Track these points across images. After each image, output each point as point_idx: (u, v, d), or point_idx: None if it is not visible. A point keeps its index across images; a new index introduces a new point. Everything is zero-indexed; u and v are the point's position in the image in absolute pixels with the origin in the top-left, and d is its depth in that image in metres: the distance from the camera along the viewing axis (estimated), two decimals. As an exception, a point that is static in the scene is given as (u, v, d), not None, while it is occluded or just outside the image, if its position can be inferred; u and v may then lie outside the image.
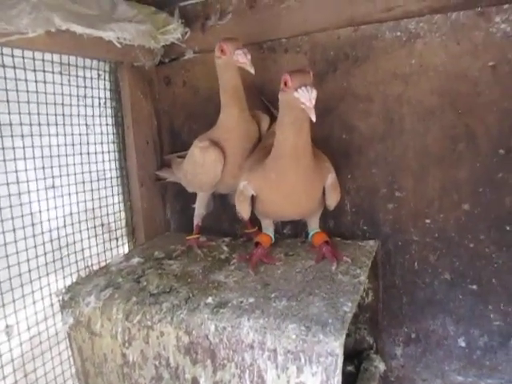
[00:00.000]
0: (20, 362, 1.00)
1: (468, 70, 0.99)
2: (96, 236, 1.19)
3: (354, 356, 1.17)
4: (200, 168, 1.06)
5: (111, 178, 1.25)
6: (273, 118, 1.11)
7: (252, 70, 0.93)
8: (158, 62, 1.28)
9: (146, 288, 0.94)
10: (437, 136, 1.04)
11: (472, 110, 1.00)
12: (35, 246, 1.02)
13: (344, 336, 0.74)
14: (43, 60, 1.02)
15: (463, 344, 1.09)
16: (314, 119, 0.74)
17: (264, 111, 1.14)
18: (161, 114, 1.34)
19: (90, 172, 1.18)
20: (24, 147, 0.99)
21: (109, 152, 1.24)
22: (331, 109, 1.13)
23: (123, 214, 1.28)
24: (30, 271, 1.01)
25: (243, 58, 0.92)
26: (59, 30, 0.90)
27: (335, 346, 0.73)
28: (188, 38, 1.23)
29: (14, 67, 0.96)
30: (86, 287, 0.98)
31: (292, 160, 0.86)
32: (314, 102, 0.74)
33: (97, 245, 1.19)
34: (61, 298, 0.98)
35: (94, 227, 1.18)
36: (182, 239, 1.18)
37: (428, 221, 1.08)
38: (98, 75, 1.19)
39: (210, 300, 0.87)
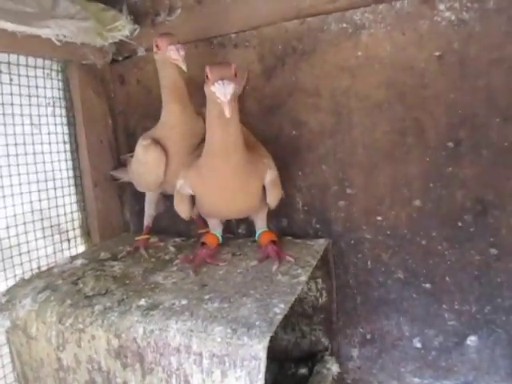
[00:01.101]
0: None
1: (414, 61, 0.96)
2: (45, 237, 1.16)
3: (309, 358, 1.14)
4: (143, 167, 1.04)
5: (63, 178, 1.23)
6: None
7: (184, 67, 0.91)
8: (110, 60, 1.25)
9: (82, 290, 0.92)
10: (385, 130, 1.01)
11: (419, 103, 0.97)
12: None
13: (268, 339, 0.71)
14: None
15: (418, 345, 1.05)
16: (227, 115, 0.71)
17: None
18: (116, 114, 1.32)
19: (38, 172, 1.15)
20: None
21: (60, 152, 1.22)
22: (280, 105, 1.10)
23: (77, 215, 1.26)
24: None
25: (175, 55, 0.90)
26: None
27: (259, 348, 0.70)
28: (138, 35, 1.21)
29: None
30: (24, 289, 0.96)
31: (221, 156, 0.83)
32: (229, 96, 0.71)
33: (45, 246, 1.16)
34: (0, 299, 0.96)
35: (43, 228, 1.15)
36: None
37: (379, 218, 1.05)
38: (47, 74, 1.17)
39: (142, 302, 0.85)
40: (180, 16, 1.16)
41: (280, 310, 0.78)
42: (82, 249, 1.26)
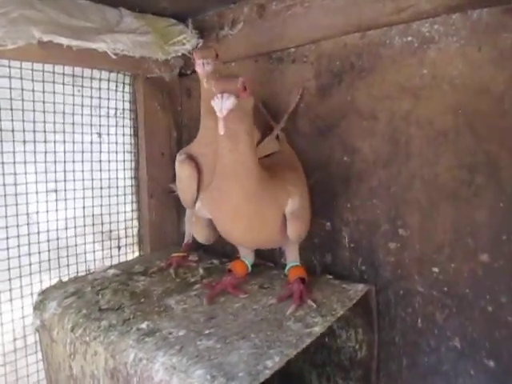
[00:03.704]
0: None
1: (491, 83, 0.77)
2: (94, 242, 1.21)
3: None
4: (179, 183, 1.01)
5: (124, 186, 1.27)
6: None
7: (204, 83, 0.86)
8: (177, 73, 1.26)
9: (99, 302, 0.92)
10: (450, 164, 0.83)
11: (495, 134, 0.77)
12: (29, 244, 1.07)
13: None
14: (53, 72, 1.08)
15: (473, 433, 0.84)
16: (220, 132, 0.65)
17: (262, 125, 1.05)
18: (181, 126, 1.33)
19: (102, 179, 1.21)
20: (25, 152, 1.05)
21: (124, 161, 1.26)
22: (332, 126, 0.98)
23: (132, 224, 1.29)
24: (20, 267, 1.06)
25: (200, 69, 0.86)
26: (50, 41, 0.94)
27: (229, 405, 0.61)
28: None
29: (21, 78, 1.03)
30: (56, 292, 0.99)
31: (231, 179, 0.76)
32: (225, 112, 0.64)
33: (94, 251, 1.20)
34: (36, 299, 1.01)
35: (93, 233, 1.20)
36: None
37: (436, 269, 0.86)
38: (116, 86, 1.22)
39: (144, 325, 0.81)
40: (242, 30, 1.12)
41: (272, 363, 0.67)
42: (133, 256, 1.29)
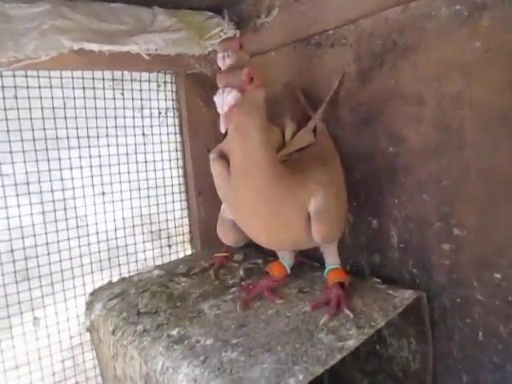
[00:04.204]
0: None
1: (561, 52, 0.63)
2: (144, 242, 1.22)
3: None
4: (214, 181, 0.98)
5: (172, 185, 1.27)
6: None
7: None
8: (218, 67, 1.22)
9: (138, 305, 0.92)
10: (511, 152, 0.70)
11: None
12: (79, 246, 1.12)
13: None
14: (93, 78, 1.10)
15: None
16: (221, 130, 0.60)
17: (300, 115, 0.98)
18: (226, 122, 1.29)
19: (148, 179, 1.22)
20: (70, 157, 1.09)
21: (170, 160, 1.26)
22: (376, 114, 0.88)
23: (183, 222, 1.29)
24: (72, 268, 1.11)
25: (220, 62, 0.81)
26: (82, 49, 0.95)
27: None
28: (243, 39, 1.14)
29: (62, 87, 1.06)
30: (104, 293, 1.02)
31: (243, 177, 0.70)
32: (226, 108, 0.58)
33: (144, 250, 1.22)
34: (87, 299, 1.05)
35: (142, 233, 1.22)
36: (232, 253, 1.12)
37: (498, 275, 0.74)
38: (158, 86, 1.22)
39: (174, 332, 0.80)
40: (278, 16, 1.05)
41: (295, 382, 0.62)
42: (184, 254, 1.29)
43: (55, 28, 0.90)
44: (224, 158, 0.92)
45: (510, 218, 0.72)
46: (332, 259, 0.85)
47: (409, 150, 0.84)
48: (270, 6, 1.06)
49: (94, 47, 0.94)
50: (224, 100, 0.59)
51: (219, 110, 0.59)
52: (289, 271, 0.92)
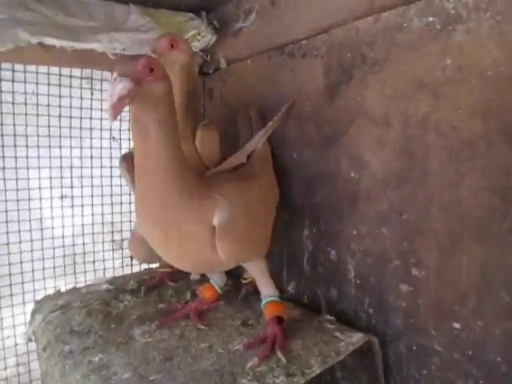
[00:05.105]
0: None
1: (535, 75, 0.54)
2: (105, 250, 1.16)
3: None
4: None
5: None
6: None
7: None
8: (196, 73, 1.16)
9: (72, 322, 0.85)
10: (478, 186, 0.61)
11: (539, 147, 0.55)
12: (42, 249, 1.07)
13: None
14: (60, 75, 1.05)
15: None
16: (109, 122, 0.54)
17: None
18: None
19: (112, 186, 1.16)
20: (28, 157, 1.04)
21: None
22: (340, 134, 0.80)
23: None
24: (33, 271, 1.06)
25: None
26: (42, 44, 0.89)
27: None
28: (222, 46, 1.08)
29: (25, 81, 1.01)
30: (48, 303, 0.96)
31: (143, 175, 0.63)
32: (115, 98, 0.51)
33: (103, 259, 1.16)
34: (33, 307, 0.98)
35: (103, 242, 1.16)
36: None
37: (457, 325, 0.65)
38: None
39: (97, 358, 0.73)
40: (255, 22, 0.97)
41: None
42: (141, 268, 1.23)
43: (14, 19, 0.85)
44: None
45: (472, 261, 0.62)
46: (267, 290, 0.76)
47: (371, 176, 0.75)
48: (250, 10, 0.98)
49: (55, 42, 0.88)
50: (114, 90, 0.52)
51: (108, 100, 0.52)
52: (220, 292, 0.85)
